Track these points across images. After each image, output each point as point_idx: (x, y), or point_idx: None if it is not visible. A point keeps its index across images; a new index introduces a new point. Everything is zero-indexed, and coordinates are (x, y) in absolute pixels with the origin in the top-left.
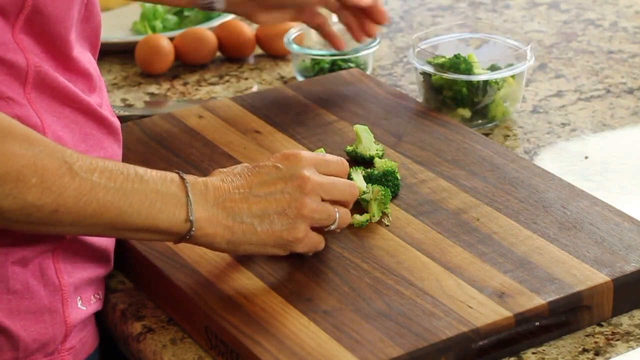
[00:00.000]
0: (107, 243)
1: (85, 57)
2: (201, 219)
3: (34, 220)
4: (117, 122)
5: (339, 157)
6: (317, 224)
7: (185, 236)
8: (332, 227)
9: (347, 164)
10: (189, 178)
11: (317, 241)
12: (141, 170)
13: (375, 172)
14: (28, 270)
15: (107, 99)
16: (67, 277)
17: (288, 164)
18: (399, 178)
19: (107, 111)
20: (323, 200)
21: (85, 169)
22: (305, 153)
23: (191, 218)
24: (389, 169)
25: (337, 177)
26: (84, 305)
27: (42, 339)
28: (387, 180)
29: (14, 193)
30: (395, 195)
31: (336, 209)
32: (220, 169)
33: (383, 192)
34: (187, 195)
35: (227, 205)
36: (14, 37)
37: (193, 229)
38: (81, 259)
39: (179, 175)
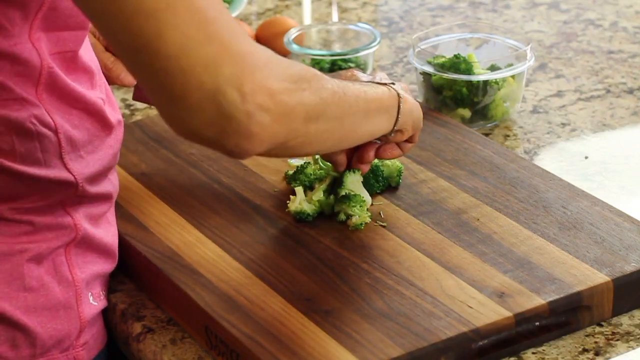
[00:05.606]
0: (112, 239)
1: (87, 53)
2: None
3: (341, 113)
4: (119, 117)
5: None
6: None
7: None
8: None
9: None
10: (402, 99)
11: None
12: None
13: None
14: (42, 267)
15: (109, 92)
16: (80, 272)
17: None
18: (383, 171)
19: (110, 106)
20: None
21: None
22: None
23: (395, 128)
24: (375, 163)
25: None
26: (95, 301)
27: (58, 335)
28: (375, 176)
29: (313, 89)
30: (382, 191)
31: None
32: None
33: (353, 198)
34: (397, 114)
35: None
36: (30, 37)
37: (391, 135)
38: (90, 254)
39: (398, 95)
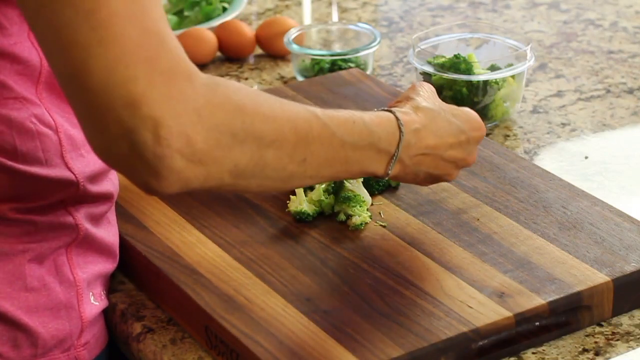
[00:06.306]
0: (113, 238)
1: None
2: (395, 170)
3: (285, 176)
4: None
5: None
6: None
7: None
8: None
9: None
10: (405, 130)
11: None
12: (367, 118)
13: None
14: (44, 267)
15: None
16: (81, 272)
17: (470, 130)
18: None
19: None
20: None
21: (328, 115)
22: (480, 122)
23: (389, 172)
24: None
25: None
26: (96, 301)
27: (59, 335)
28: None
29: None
30: (382, 191)
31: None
32: (429, 107)
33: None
34: (396, 151)
35: (417, 160)
36: (29, 36)
37: (387, 177)
38: (91, 254)
39: (399, 128)
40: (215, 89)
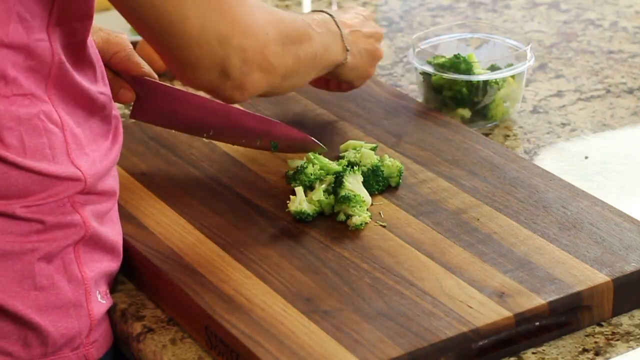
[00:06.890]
0: (117, 237)
1: (90, 46)
2: (347, 51)
3: (306, 71)
4: (117, 115)
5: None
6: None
7: (341, 63)
8: None
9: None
10: (335, 15)
11: None
12: (316, 14)
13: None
14: (52, 266)
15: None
16: (88, 270)
17: (359, 11)
18: (383, 171)
19: (110, 103)
20: None
21: (309, 20)
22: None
23: (348, 48)
24: (375, 163)
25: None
26: (103, 299)
27: (69, 333)
28: (375, 176)
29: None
30: (382, 191)
31: None
32: (332, 10)
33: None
34: (339, 29)
35: (353, 39)
36: (47, 30)
37: (348, 56)
38: (97, 252)
39: (328, 14)
40: (264, 8)
